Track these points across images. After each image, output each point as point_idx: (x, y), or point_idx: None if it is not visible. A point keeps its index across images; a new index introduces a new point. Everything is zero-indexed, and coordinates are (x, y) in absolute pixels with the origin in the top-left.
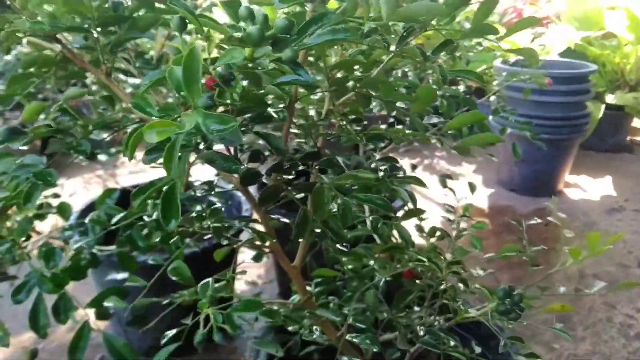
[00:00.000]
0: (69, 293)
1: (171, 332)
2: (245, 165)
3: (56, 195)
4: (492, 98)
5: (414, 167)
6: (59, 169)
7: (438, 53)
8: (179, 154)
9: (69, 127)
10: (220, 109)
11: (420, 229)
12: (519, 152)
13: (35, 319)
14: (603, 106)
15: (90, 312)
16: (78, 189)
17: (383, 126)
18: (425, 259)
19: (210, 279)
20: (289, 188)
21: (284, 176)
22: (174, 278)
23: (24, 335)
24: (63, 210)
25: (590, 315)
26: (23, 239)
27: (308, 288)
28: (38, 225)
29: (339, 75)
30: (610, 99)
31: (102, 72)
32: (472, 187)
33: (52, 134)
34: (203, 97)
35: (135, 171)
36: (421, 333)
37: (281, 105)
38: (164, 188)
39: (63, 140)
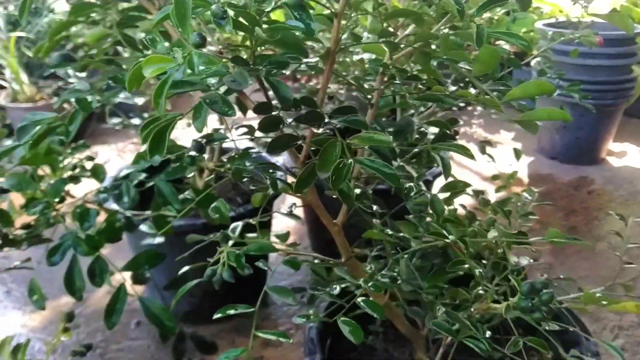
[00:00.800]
0: (104, 256)
1: (187, 268)
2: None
3: (90, 158)
4: (534, 62)
5: (456, 132)
6: (94, 136)
7: (484, 10)
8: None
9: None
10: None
11: (485, 202)
12: (568, 116)
13: (70, 281)
14: None
15: (127, 278)
16: (112, 157)
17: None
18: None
19: (239, 223)
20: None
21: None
22: (213, 216)
23: (61, 300)
24: (97, 172)
25: (637, 286)
26: (57, 200)
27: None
28: (73, 189)
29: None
30: None
31: (155, 6)
32: (518, 154)
33: (104, 63)
34: (193, 34)
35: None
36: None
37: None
38: (159, 125)
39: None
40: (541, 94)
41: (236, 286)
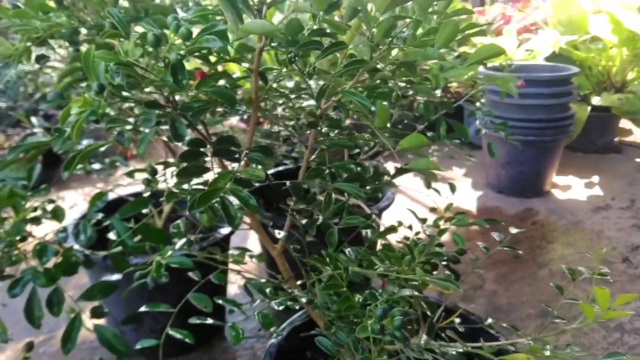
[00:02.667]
0: (61, 287)
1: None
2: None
3: (51, 201)
4: (481, 101)
5: (399, 170)
6: (61, 182)
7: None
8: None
9: None
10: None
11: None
12: (495, 152)
13: (30, 312)
14: (589, 108)
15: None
16: (79, 201)
17: None
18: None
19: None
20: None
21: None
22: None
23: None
24: (57, 214)
25: (572, 309)
26: (18, 239)
27: None
28: (35, 231)
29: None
30: (596, 100)
31: None
32: (453, 188)
33: None
34: (94, 84)
35: (136, 181)
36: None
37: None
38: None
39: None
40: (420, 146)
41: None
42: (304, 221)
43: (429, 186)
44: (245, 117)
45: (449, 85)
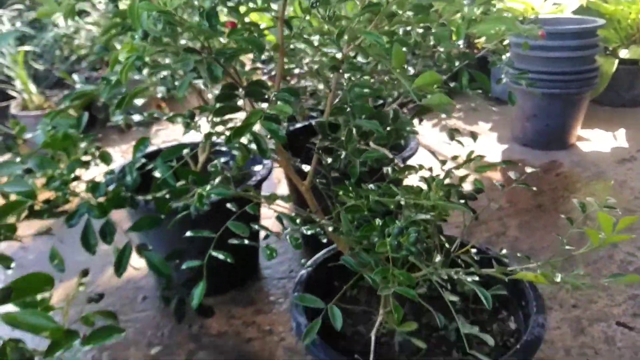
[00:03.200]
0: (112, 220)
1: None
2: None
3: (98, 147)
4: (506, 56)
5: (420, 120)
6: (98, 140)
7: None
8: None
9: None
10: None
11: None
12: (515, 101)
13: (86, 240)
14: (616, 61)
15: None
16: (116, 158)
17: None
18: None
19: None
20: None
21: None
22: None
23: (73, 282)
24: (105, 158)
25: (592, 253)
26: (72, 176)
27: None
28: (84, 175)
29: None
30: (624, 53)
31: None
32: (474, 136)
33: None
34: (138, 31)
35: (169, 140)
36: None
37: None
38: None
39: None
40: (433, 82)
41: (232, 263)
42: (329, 160)
43: (452, 138)
44: (272, 73)
45: (476, 41)
